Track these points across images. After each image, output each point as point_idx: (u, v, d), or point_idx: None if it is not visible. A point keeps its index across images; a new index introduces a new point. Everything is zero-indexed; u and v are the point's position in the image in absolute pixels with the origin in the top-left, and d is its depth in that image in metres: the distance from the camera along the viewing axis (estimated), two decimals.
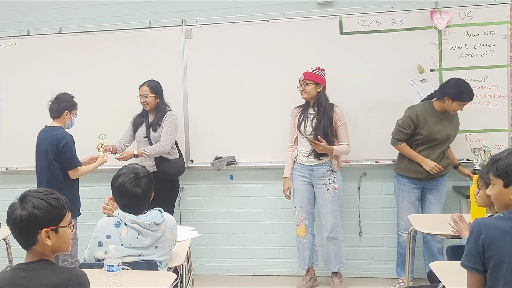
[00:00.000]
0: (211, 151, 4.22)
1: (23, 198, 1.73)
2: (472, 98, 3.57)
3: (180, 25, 4.26)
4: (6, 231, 3.34)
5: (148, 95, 3.91)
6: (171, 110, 4.01)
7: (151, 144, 3.92)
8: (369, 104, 4.05)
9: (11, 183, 4.48)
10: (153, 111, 3.97)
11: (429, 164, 3.62)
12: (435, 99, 3.68)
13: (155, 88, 3.94)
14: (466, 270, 1.97)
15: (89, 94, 4.34)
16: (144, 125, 3.97)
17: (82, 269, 1.83)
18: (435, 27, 3.93)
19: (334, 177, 3.81)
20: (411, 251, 3.40)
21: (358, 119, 4.04)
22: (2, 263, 3.84)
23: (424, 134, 3.63)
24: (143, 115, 4.02)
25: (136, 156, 3.85)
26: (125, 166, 2.59)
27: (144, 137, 3.95)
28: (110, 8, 4.38)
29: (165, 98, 4.02)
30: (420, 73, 3.96)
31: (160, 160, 3.91)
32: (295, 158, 3.90)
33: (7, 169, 4.50)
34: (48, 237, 1.72)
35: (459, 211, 3.88)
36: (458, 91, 3.53)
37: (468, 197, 3.51)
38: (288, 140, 3.97)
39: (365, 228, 4.20)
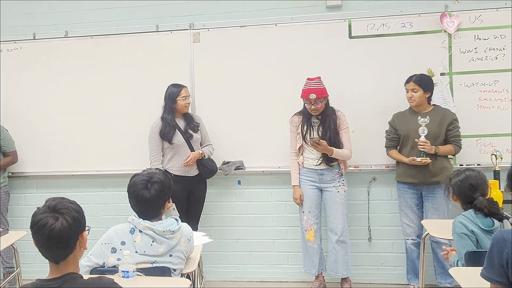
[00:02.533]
0: (219, 156, 4.17)
1: (54, 208, 1.68)
2: (412, 78, 3.67)
3: (188, 29, 4.22)
4: (13, 236, 3.30)
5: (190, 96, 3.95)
6: None
7: (190, 146, 3.88)
8: (379, 109, 4.02)
9: (15, 188, 4.43)
10: (182, 113, 3.94)
11: (409, 161, 3.62)
12: None
13: None
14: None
15: (95, 98, 4.33)
16: (178, 131, 3.87)
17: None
18: (445, 31, 3.91)
19: (343, 180, 3.81)
20: (424, 257, 3.36)
21: (367, 123, 4.01)
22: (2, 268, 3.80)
23: (403, 134, 3.71)
24: (167, 124, 3.84)
25: (202, 155, 3.89)
26: (146, 169, 2.54)
27: (183, 141, 3.87)
28: (117, 12, 4.33)
29: None
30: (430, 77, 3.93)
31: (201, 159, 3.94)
32: (301, 164, 3.86)
33: (12, 174, 4.44)
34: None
35: None
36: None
37: None
38: (291, 148, 3.92)
39: (374, 234, 4.15)
